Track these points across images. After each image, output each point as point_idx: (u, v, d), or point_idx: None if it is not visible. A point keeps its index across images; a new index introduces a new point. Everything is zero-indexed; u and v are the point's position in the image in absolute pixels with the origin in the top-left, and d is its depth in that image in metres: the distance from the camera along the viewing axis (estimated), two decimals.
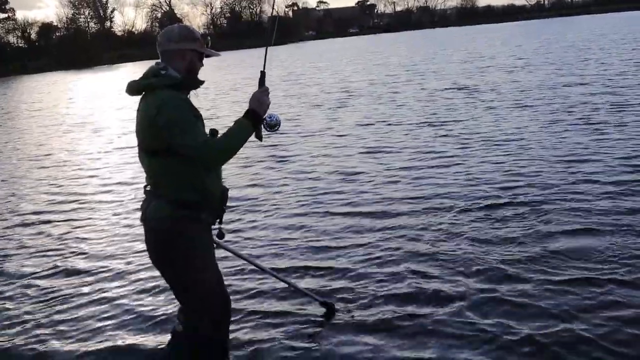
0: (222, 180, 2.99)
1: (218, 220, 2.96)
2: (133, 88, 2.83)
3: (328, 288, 4.20)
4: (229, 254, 3.75)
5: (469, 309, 3.72)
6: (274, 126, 2.89)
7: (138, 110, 2.82)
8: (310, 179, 7.48)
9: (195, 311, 2.92)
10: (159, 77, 2.76)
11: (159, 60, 2.84)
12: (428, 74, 19.58)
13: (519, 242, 4.69)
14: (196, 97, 2.90)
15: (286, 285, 4.01)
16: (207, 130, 2.82)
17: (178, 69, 2.80)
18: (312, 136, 10.53)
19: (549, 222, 5.05)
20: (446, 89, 15.10)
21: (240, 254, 3.83)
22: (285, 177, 7.71)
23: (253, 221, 5.93)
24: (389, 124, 10.83)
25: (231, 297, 3.17)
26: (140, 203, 2.96)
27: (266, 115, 2.85)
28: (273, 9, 3.73)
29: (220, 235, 3.02)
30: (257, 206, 6.47)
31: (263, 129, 2.89)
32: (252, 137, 2.85)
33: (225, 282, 3.27)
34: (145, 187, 2.92)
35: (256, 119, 2.81)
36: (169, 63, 2.80)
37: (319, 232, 5.41)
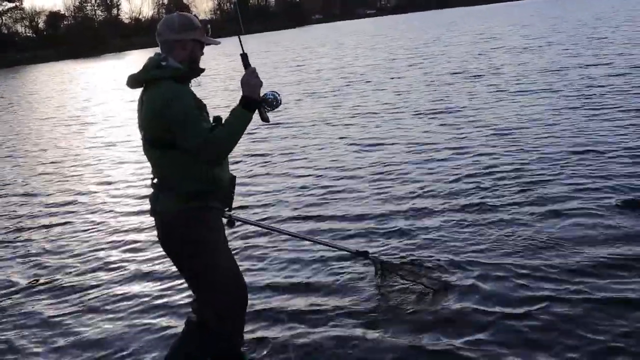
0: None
1: (227, 208, 2.95)
2: (134, 81, 2.79)
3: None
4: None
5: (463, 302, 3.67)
6: (273, 103, 2.78)
7: (140, 103, 2.78)
8: (302, 174, 7.12)
9: (206, 302, 2.90)
10: (161, 69, 2.71)
11: (159, 51, 2.80)
12: (432, 58, 19.17)
13: (526, 241, 4.36)
14: (199, 86, 2.84)
15: (312, 244, 4.46)
16: (211, 118, 2.80)
17: (179, 59, 2.76)
18: (305, 127, 10.13)
19: (561, 224, 4.65)
20: (452, 73, 14.70)
21: (261, 224, 4.23)
22: (276, 172, 7.41)
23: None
24: (392, 113, 10.44)
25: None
26: (148, 196, 2.95)
27: (263, 94, 2.77)
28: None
29: (231, 223, 3.04)
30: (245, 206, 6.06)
31: (265, 109, 2.80)
32: (259, 121, 2.82)
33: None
34: (152, 179, 2.89)
35: (251, 104, 2.73)
36: (170, 53, 2.76)
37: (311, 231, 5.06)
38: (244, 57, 2.85)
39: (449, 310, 3.58)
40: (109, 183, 7.89)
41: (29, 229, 6.34)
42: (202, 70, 2.89)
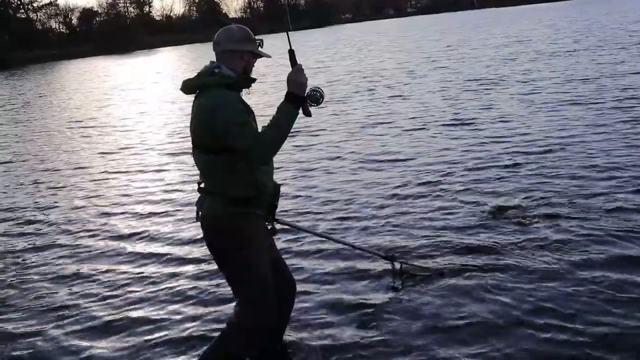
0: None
1: (271, 217, 3.04)
2: (188, 86, 2.90)
3: None
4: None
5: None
6: (318, 99, 2.87)
7: (193, 108, 2.89)
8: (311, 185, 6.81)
9: (246, 306, 2.98)
10: (214, 76, 2.82)
11: (214, 60, 2.90)
12: (458, 62, 18.69)
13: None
14: (248, 95, 2.97)
15: (347, 248, 4.56)
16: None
17: (235, 69, 2.87)
18: (319, 136, 9.80)
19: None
20: (476, 79, 14.21)
21: (300, 227, 4.40)
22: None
23: None
24: (411, 120, 10.09)
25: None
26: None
27: (308, 90, 2.84)
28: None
29: (273, 231, 3.11)
30: None
31: (309, 105, 2.88)
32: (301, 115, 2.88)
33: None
34: (198, 184, 2.98)
35: (298, 101, 2.81)
36: (227, 62, 2.87)
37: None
38: (292, 53, 2.89)
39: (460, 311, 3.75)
40: (100, 196, 7.66)
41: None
42: (254, 80, 2.97)
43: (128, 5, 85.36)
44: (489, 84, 13.30)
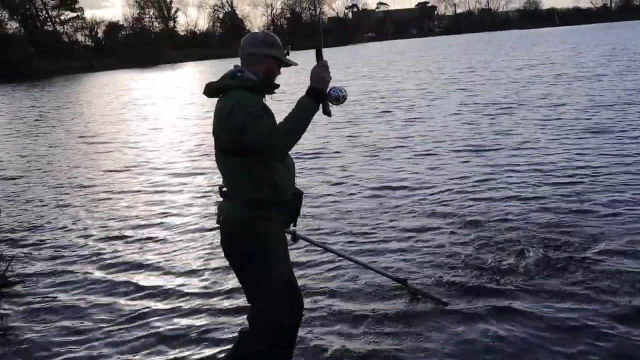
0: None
1: (292, 224, 3.04)
2: (210, 90, 2.91)
3: None
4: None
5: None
6: (339, 99, 2.80)
7: (214, 111, 2.87)
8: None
9: (260, 312, 2.93)
10: (235, 79, 2.83)
11: (238, 64, 2.91)
12: (479, 84, 18.35)
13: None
14: (271, 100, 2.96)
15: (359, 266, 4.50)
16: None
17: (256, 73, 2.86)
18: (329, 159, 9.57)
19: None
20: (494, 103, 13.87)
21: (315, 242, 4.27)
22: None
23: None
24: (427, 145, 9.81)
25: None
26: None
27: (329, 89, 2.80)
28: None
29: (294, 238, 3.13)
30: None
31: (329, 104, 2.81)
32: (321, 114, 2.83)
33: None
34: (220, 188, 2.96)
35: (319, 96, 2.76)
36: (249, 66, 2.87)
37: None
38: (319, 50, 2.88)
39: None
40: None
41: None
42: (277, 86, 2.96)
43: (153, 20, 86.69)
44: (509, 108, 12.95)
